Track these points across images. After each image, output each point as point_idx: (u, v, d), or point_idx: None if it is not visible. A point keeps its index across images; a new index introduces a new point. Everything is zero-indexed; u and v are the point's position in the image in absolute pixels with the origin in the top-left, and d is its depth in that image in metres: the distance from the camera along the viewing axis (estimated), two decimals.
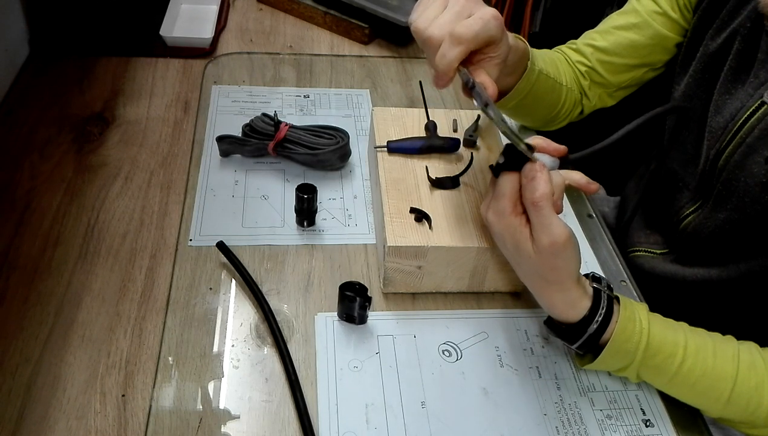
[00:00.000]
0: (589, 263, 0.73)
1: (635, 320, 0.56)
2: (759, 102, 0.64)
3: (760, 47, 0.65)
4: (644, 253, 0.82)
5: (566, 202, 0.81)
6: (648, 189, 0.83)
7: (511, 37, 0.64)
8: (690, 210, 0.74)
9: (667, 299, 0.69)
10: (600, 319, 0.55)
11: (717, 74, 0.70)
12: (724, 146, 0.67)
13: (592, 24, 0.87)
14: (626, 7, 0.82)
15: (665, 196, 0.80)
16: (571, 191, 0.83)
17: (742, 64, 0.67)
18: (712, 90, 0.70)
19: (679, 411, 0.60)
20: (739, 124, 0.66)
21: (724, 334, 0.59)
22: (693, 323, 0.59)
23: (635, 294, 0.71)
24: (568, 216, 0.79)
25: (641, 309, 0.58)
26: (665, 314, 0.59)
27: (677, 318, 0.59)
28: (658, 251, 0.81)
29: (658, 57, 0.80)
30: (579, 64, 0.83)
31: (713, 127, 0.69)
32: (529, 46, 0.73)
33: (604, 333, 0.56)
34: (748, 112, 0.65)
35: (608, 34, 0.81)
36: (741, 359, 0.56)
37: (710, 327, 0.60)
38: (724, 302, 0.73)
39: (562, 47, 0.86)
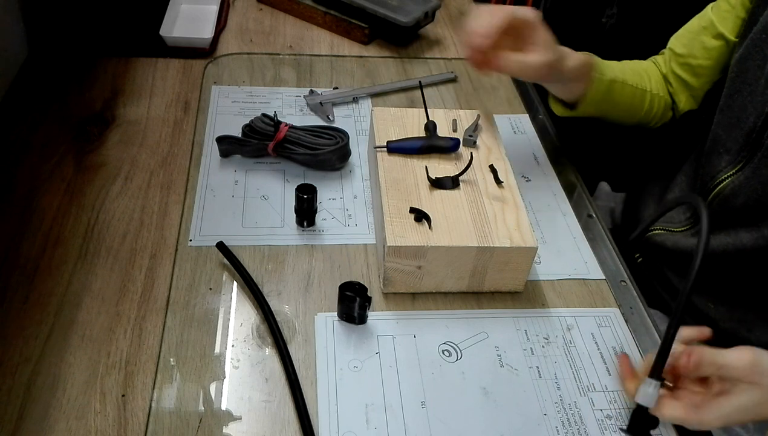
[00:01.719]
0: (589, 263, 0.73)
1: None
2: None
3: None
4: (662, 231, 0.83)
5: (566, 202, 0.81)
6: (670, 164, 0.86)
7: (568, 49, 0.75)
8: (728, 173, 0.75)
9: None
10: None
11: None
12: None
13: (591, 25, 0.87)
14: (703, 11, 0.86)
15: (698, 166, 0.81)
16: (572, 191, 0.83)
17: None
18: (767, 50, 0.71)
19: None
20: None
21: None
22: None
23: (635, 293, 0.71)
24: (568, 216, 0.79)
25: None
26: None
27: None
28: (676, 229, 0.82)
29: (727, 60, 0.82)
30: (667, 72, 0.87)
31: None
32: (597, 58, 0.80)
33: None
34: None
35: (683, 38, 0.86)
36: None
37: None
38: (755, 270, 0.73)
39: (656, 56, 0.91)
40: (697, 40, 0.83)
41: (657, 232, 0.84)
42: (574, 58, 0.75)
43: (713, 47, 0.82)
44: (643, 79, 0.85)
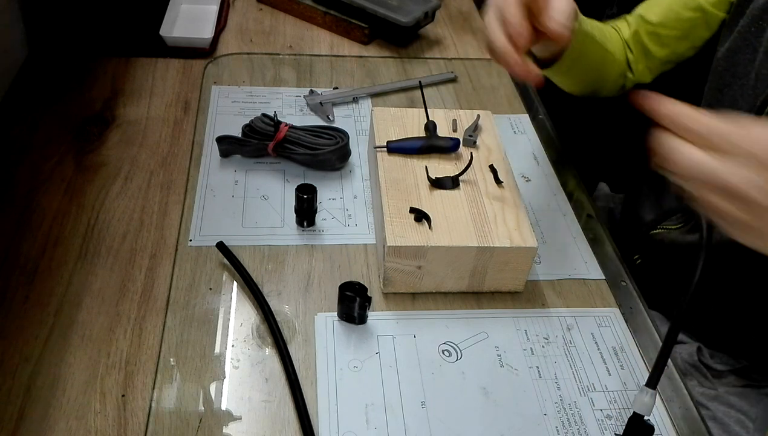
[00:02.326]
0: (589, 263, 0.73)
1: None
2: None
3: None
4: (661, 230, 0.83)
5: (566, 202, 0.81)
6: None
7: None
8: None
9: (692, 270, 0.68)
10: None
11: (763, 26, 0.71)
12: None
13: None
14: None
15: None
16: (572, 191, 0.83)
17: None
18: (757, 43, 0.71)
19: (679, 410, 0.61)
20: None
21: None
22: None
23: (635, 293, 0.71)
24: (568, 216, 0.79)
25: None
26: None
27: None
28: (673, 227, 0.82)
29: (701, 33, 0.81)
30: (630, 41, 0.85)
31: (762, 74, 0.69)
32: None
33: None
34: None
35: (656, 6, 0.84)
36: None
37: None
38: (751, 263, 0.73)
39: (615, 21, 0.88)
40: (672, 11, 0.82)
41: (655, 231, 0.84)
42: None
43: (687, 18, 0.80)
44: (606, 39, 0.82)
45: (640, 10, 0.86)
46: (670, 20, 0.82)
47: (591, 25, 0.80)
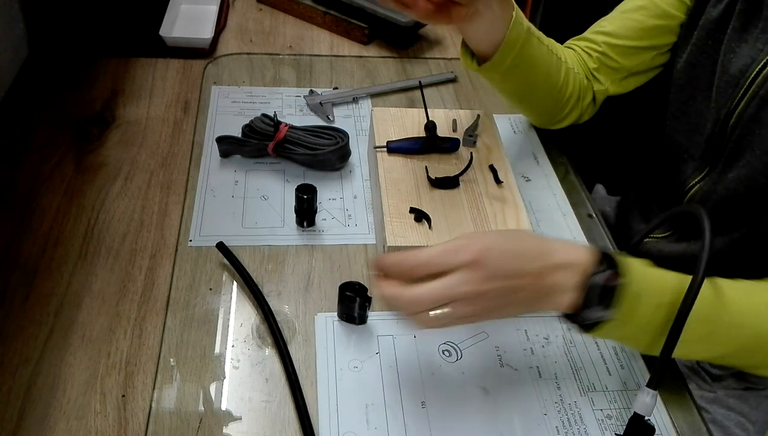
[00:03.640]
0: None
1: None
2: None
3: (764, 3, 0.66)
4: (649, 238, 0.83)
5: (566, 202, 0.81)
6: (646, 171, 0.84)
7: None
8: (696, 180, 0.74)
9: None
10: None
11: (720, 39, 0.71)
12: (735, 103, 0.68)
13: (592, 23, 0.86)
14: None
15: (667, 173, 0.80)
16: (572, 191, 0.83)
17: (746, 23, 0.68)
18: (717, 55, 0.71)
19: (680, 411, 0.61)
20: (750, 78, 0.66)
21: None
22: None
23: None
24: (568, 216, 0.79)
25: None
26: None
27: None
28: (659, 235, 0.81)
29: (665, 39, 0.80)
30: (588, 50, 0.83)
31: (721, 87, 0.70)
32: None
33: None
34: (760, 66, 0.65)
35: (616, 19, 0.82)
36: None
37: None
38: (731, 273, 0.73)
39: (568, 42, 0.86)
40: (636, 21, 0.80)
41: (645, 240, 0.83)
42: None
43: (653, 26, 0.79)
44: (556, 48, 0.80)
45: (597, 26, 0.84)
46: (632, 31, 0.80)
47: (537, 31, 0.77)
